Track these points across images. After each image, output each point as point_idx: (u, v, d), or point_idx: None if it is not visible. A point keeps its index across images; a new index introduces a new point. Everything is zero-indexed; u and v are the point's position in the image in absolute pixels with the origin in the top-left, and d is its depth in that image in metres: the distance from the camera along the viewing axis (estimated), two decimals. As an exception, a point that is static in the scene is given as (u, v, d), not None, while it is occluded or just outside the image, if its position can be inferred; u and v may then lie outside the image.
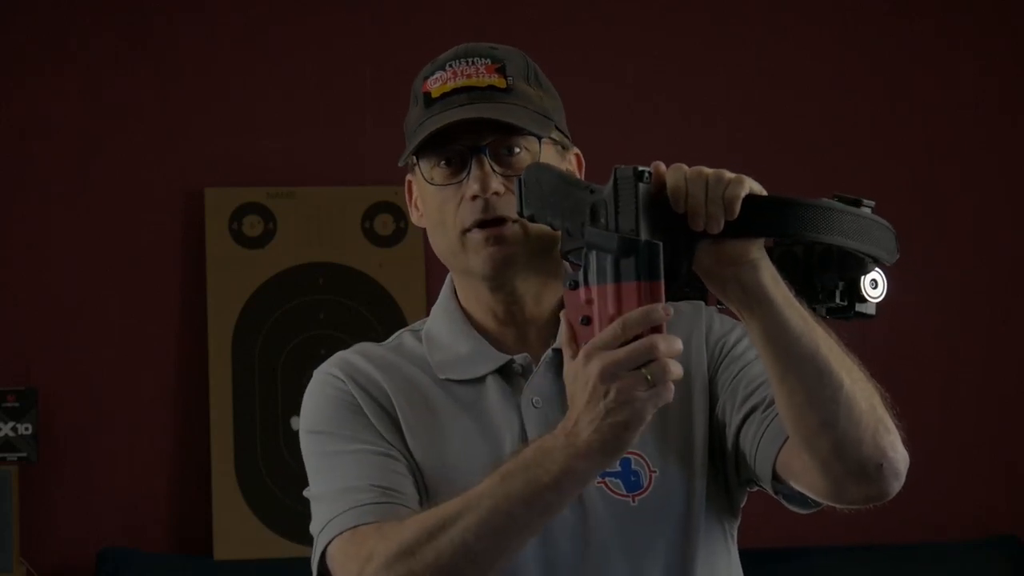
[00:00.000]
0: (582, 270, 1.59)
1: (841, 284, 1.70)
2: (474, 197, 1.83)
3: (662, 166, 1.62)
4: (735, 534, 1.92)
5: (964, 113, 4.65)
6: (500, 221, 1.83)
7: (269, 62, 4.45)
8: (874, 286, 1.71)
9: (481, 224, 1.84)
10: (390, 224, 4.40)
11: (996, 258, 4.62)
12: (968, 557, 4.39)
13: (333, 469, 1.84)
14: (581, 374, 1.57)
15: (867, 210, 1.65)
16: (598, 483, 1.82)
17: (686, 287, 1.66)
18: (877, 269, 1.70)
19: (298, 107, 4.44)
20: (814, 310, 1.68)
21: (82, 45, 4.38)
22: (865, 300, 1.70)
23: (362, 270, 4.39)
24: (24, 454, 4.14)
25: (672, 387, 1.55)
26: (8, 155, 4.35)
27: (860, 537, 4.37)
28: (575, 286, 1.60)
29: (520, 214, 1.72)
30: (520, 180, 1.71)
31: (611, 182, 1.61)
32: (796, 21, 4.61)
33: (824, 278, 1.69)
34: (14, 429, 4.14)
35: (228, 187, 4.38)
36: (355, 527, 1.78)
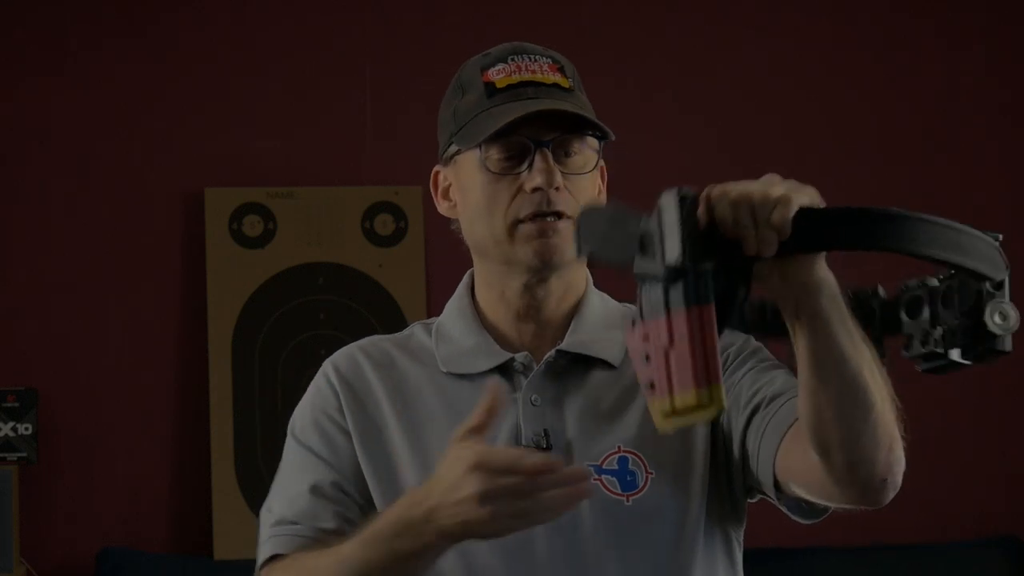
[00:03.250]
0: (637, 306, 1.54)
1: (955, 323, 1.54)
2: (535, 189, 1.84)
3: (712, 191, 1.56)
4: (741, 539, 1.92)
5: (965, 114, 4.65)
6: (557, 215, 1.85)
7: (269, 62, 4.45)
8: (1004, 317, 1.53)
9: (536, 216, 1.85)
10: (390, 224, 4.40)
11: (996, 258, 4.61)
12: (968, 557, 4.39)
13: (281, 484, 1.94)
14: (458, 469, 1.61)
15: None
16: (594, 479, 1.83)
17: (771, 324, 1.59)
18: (996, 295, 1.54)
19: (298, 107, 4.44)
20: (946, 352, 1.55)
21: (82, 45, 4.38)
22: (994, 336, 1.52)
23: (362, 270, 4.39)
24: (24, 454, 4.14)
25: (544, 518, 1.61)
26: (8, 155, 4.35)
27: (860, 537, 4.37)
28: (633, 325, 1.54)
29: (578, 254, 1.69)
30: (577, 222, 1.69)
31: (655, 210, 1.56)
32: (795, 21, 4.61)
33: (949, 314, 1.54)
34: (14, 429, 4.14)
35: (228, 187, 4.38)
36: (270, 559, 1.86)
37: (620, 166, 4.97)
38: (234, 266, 4.33)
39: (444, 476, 1.63)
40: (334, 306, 4.37)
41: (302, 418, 1.96)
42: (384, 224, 4.39)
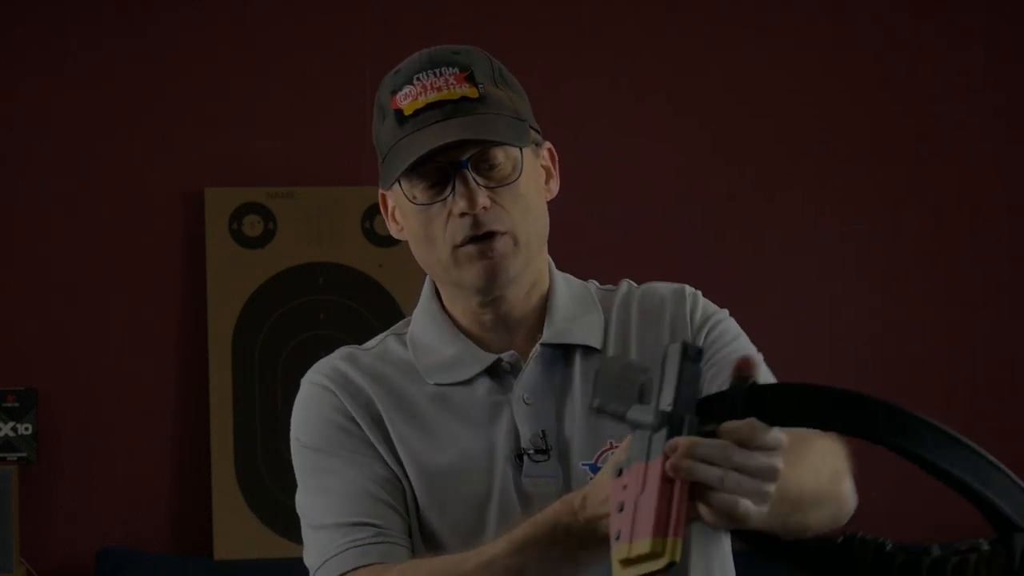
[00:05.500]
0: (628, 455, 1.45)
1: None
2: (463, 214, 1.81)
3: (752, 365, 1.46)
4: None
5: (960, 115, 4.65)
6: (490, 235, 1.82)
7: (269, 62, 4.45)
8: None
9: (472, 239, 1.82)
10: (390, 224, 4.40)
11: (994, 259, 4.62)
12: (968, 557, 4.38)
13: (325, 493, 1.84)
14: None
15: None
16: (589, 478, 1.82)
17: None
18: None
19: (298, 107, 4.44)
20: None
21: (82, 45, 4.38)
22: None
23: (362, 270, 4.39)
24: (24, 454, 4.14)
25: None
26: (8, 155, 4.35)
27: (860, 537, 4.36)
28: (619, 473, 1.45)
29: (591, 406, 1.55)
30: (596, 372, 1.59)
31: (660, 359, 1.49)
32: (790, 21, 4.61)
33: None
34: (14, 429, 4.14)
35: (228, 187, 4.38)
36: (354, 570, 1.77)
37: (615, 167, 4.96)
38: (234, 266, 4.34)
39: (598, 482, 1.57)
40: (334, 306, 4.37)
41: (309, 426, 1.89)
42: (384, 224, 4.38)
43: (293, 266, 4.38)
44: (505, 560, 1.64)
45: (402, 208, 1.89)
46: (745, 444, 1.38)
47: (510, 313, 1.89)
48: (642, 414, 1.45)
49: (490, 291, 1.85)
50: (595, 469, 1.83)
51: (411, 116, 1.83)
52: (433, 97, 1.82)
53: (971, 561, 1.46)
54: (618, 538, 1.41)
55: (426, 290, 1.95)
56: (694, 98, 4.54)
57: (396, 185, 1.86)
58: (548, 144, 1.92)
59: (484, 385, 1.87)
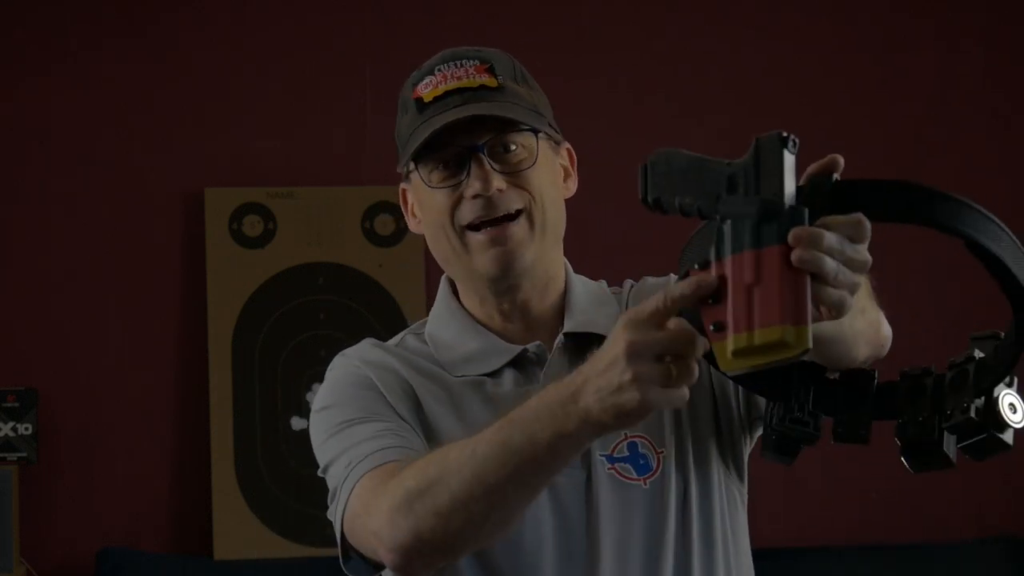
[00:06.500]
0: (713, 245, 1.41)
1: (975, 403, 1.48)
2: (476, 196, 1.83)
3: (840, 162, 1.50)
4: (746, 498, 1.92)
5: (960, 117, 4.65)
6: (504, 220, 1.84)
7: (269, 62, 4.45)
8: (1013, 410, 1.50)
9: (484, 223, 1.84)
10: (390, 224, 4.40)
11: (996, 258, 4.62)
12: (968, 557, 4.39)
13: (345, 435, 1.81)
14: (614, 337, 1.45)
15: None
16: (608, 469, 1.83)
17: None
18: (1013, 392, 1.52)
19: (298, 107, 4.45)
20: (942, 435, 1.51)
21: (82, 45, 4.39)
22: (1005, 426, 1.47)
23: (362, 270, 4.39)
24: (24, 454, 4.14)
25: (687, 394, 1.44)
26: (8, 155, 4.35)
27: (860, 537, 4.37)
28: (705, 264, 1.40)
29: (644, 200, 1.54)
30: (645, 164, 1.55)
31: (752, 150, 1.48)
32: (790, 22, 4.62)
33: (956, 398, 1.49)
34: (14, 429, 4.14)
35: (228, 187, 4.38)
36: (372, 469, 1.74)
37: (613, 167, 4.97)
38: (234, 266, 4.34)
39: (597, 355, 1.48)
40: (334, 306, 4.38)
41: (330, 393, 1.88)
42: (384, 224, 4.39)
43: (293, 266, 4.38)
44: (490, 440, 1.57)
45: (419, 196, 1.90)
46: (854, 239, 1.39)
47: (528, 305, 1.89)
48: (742, 204, 1.42)
49: (504, 279, 1.86)
50: (611, 459, 1.83)
51: (430, 103, 1.86)
52: (452, 85, 1.86)
53: (970, 371, 1.52)
54: (720, 329, 1.38)
55: (442, 288, 1.96)
56: (694, 98, 4.55)
57: (414, 172, 1.88)
58: (567, 144, 1.95)
59: (510, 376, 1.88)
